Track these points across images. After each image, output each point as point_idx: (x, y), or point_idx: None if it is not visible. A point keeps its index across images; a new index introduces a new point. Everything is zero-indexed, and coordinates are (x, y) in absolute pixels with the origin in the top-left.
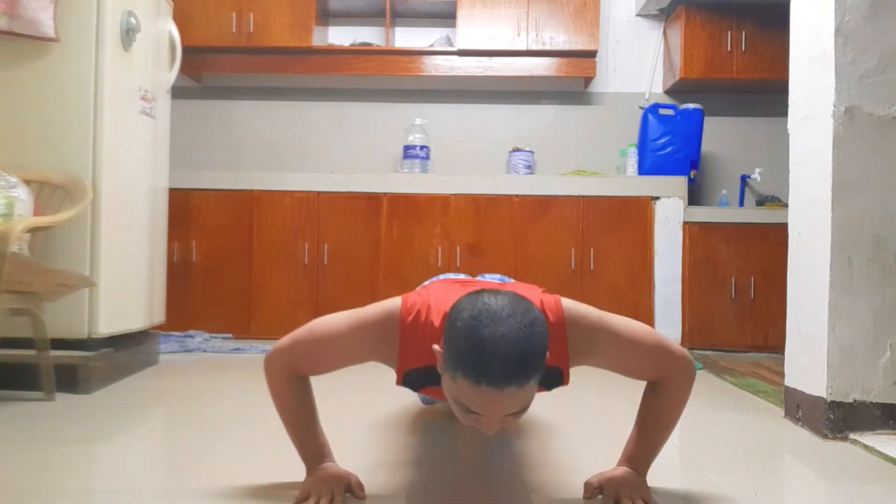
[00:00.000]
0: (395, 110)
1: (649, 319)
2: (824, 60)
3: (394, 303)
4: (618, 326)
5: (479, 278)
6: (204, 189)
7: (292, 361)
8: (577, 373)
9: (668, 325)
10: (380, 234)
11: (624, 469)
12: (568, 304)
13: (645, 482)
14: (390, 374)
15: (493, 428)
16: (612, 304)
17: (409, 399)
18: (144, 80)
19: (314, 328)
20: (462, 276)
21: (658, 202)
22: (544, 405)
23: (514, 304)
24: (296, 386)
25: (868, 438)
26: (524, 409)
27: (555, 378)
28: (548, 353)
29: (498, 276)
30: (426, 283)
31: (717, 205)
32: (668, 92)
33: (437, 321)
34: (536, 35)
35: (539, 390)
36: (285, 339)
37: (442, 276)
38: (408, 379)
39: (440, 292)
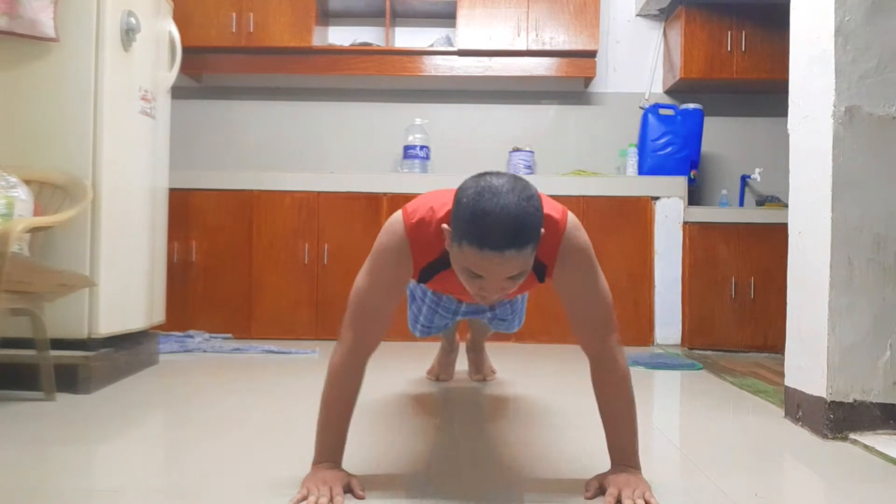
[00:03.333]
0: (395, 110)
1: (649, 319)
2: (824, 60)
3: (395, 216)
4: (596, 267)
5: None
6: (204, 189)
7: (356, 333)
8: (576, 372)
9: (668, 325)
10: None
11: (623, 468)
12: (572, 218)
13: (645, 480)
14: (390, 373)
15: (496, 291)
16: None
17: (409, 399)
18: (144, 80)
19: (353, 297)
20: None
21: (658, 202)
22: (545, 405)
23: (514, 181)
24: (352, 373)
25: (868, 438)
26: (522, 273)
27: (542, 271)
28: (542, 245)
29: None
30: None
31: (717, 205)
32: (668, 92)
33: (440, 214)
34: (536, 35)
35: (532, 281)
36: (343, 327)
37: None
38: (423, 274)
39: (437, 194)
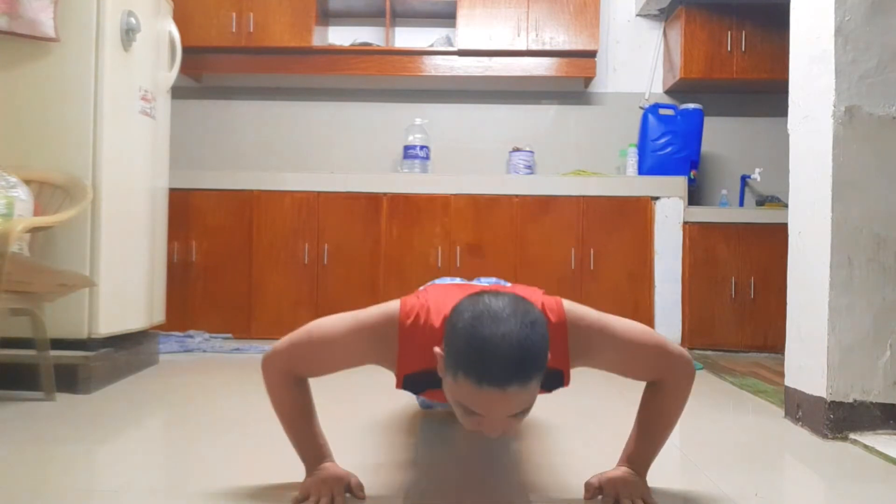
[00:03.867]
0: (395, 110)
1: (649, 319)
2: (824, 60)
3: (392, 306)
4: (617, 328)
5: (474, 282)
6: (204, 189)
7: (290, 363)
8: (576, 373)
9: (668, 325)
10: (380, 234)
11: (624, 469)
12: (569, 305)
13: (645, 482)
14: (390, 375)
15: (497, 430)
16: (612, 304)
17: (409, 400)
18: (144, 80)
19: (312, 330)
20: (458, 280)
21: (658, 202)
22: (544, 405)
23: (515, 304)
24: (294, 387)
25: (868, 438)
26: (527, 409)
27: (555, 379)
28: (549, 355)
29: (494, 279)
30: (422, 287)
31: (717, 205)
32: (668, 92)
33: (437, 323)
34: (536, 35)
35: (540, 392)
36: (283, 341)
37: (438, 281)
38: (407, 382)
39: (439, 295)
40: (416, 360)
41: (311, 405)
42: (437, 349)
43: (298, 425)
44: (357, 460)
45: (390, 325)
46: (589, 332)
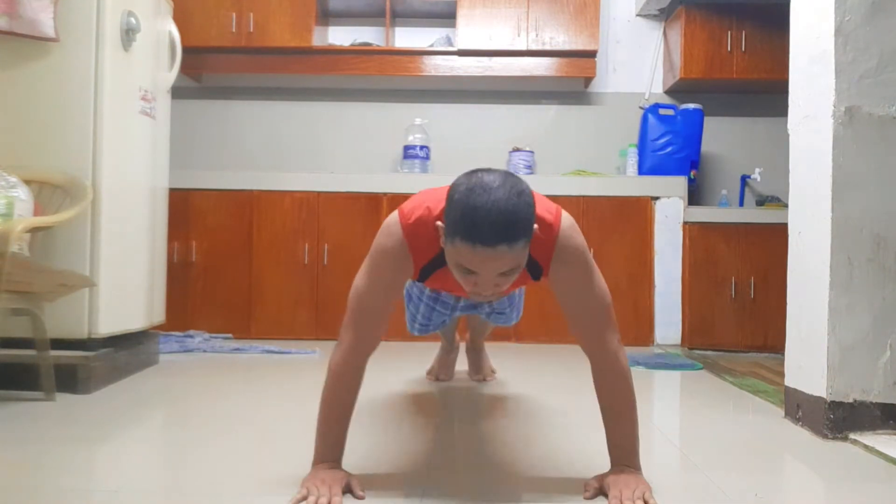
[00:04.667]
0: (395, 110)
1: (649, 319)
2: (824, 60)
3: (392, 216)
4: (594, 269)
5: None
6: (204, 189)
7: (356, 331)
8: (576, 372)
9: (668, 325)
10: None
11: (622, 468)
12: (566, 217)
13: (645, 481)
14: (390, 374)
15: (490, 287)
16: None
17: (409, 399)
18: (144, 80)
19: (352, 298)
20: None
21: (658, 202)
22: (544, 404)
23: (505, 177)
24: (355, 378)
25: (868, 438)
26: (515, 268)
27: (537, 271)
28: (536, 244)
29: None
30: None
31: (717, 205)
32: (668, 92)
33: (436, 212)
34: (536, 35)
35: (526, 278)
36: (343, 328)
37: None
38: (422, 272)
39: (433, 192)
40: (426, 249)
41: (353, 404)
42: (438, 223)
43: (335, 418)
44: (357, 459)
45: (396, 231)
46: (571, 249)
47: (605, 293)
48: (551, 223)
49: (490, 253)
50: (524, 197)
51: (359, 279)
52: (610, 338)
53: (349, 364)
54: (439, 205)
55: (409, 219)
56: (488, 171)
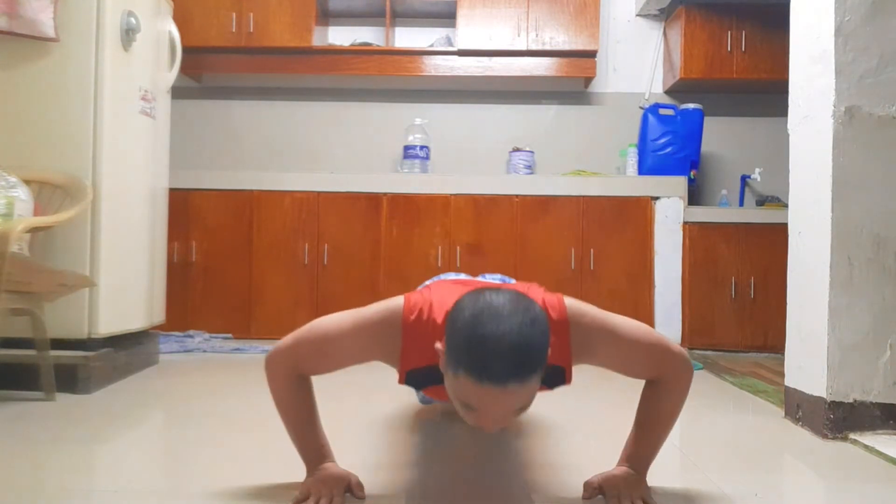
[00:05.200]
0: (395, 110)
1: (649, 319)
2: (824, 60)
3: (396, 302)
4: (619, 325)
5: (479, 278)
6: (204, 189)
7: (294, 361)
8: (577, 372)
9: (668, 325)
10: (380, 234)
11: (624, 469)
12: (570, 302)
13: (645, 482)
14: (390, 374)
15: (496, 425)
16: (612, 304)
17: (409, 399)
18: (144, 80)
19: (316, 328)
20: (463, 276)
21: (658, 202)
22: (544, 405)
23: (516, 301)
24: (297, 386)
25: (868, 438)
26: (526, 405)
27: (557, 376)
28: (550, 352)
29: (499, 276)
30: (427, 282)
31: (717, 205)
32: (668, 92)
33: (439, 319)
34: (536, 35)
35: (541, 389)
36: (287, 339)
37: (442, 276)
38: (410, 378)
39: (442, 291)
40: (419, 356)
41: (314, 405)
42: (438, 345)
43: (300, 425)
44: (357, 460)
45: (394, 321)
46: (590, 330)
47: (635, 331)
48: (558, 320)
49: (499, 391)
50: (538, 325)
51: (336, 323)
52: (669, 361)
53: (292, 380)
54: (447, 306)
55: (411, 314)
56: (496, 292)
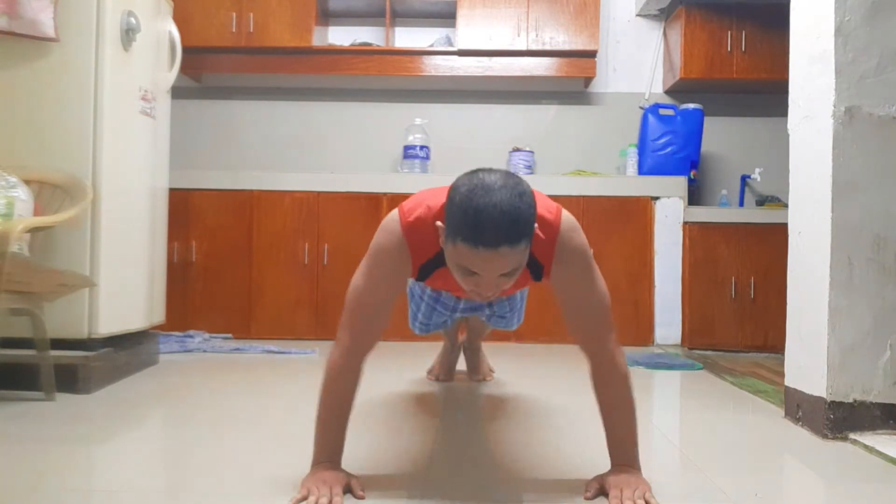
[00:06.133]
0: (395, 110)
1: (649, 319)
2: (824, 60)
3: (392, 214)
4: (594, 270)
5: None
6: (204, 189)
7: (353, 332)
8: (576, 372)
9: (668, 325)
10: None
11: (623, 468)
12: (566, 216)
13: (645, 481)
14: (390, 375)
15: (491, 288)
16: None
17: (409, 399)
18: (144, 80)
19: (350, 297)
20: None
21: (658, 202)
22: (544, 405)
23: (506, 178)
24: (349, 373)
25: (868, 438)
26: (516, 269)
27: (538, 271)
28: (535, 248)
29: None
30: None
31: (717, 205)
32: (668, 92)
33: (435, 211)
34: (536, 35)
35: (527, 279)
36: (340, 327)
37: None
38: (421, 271)
39: (433, 191)
40: (425, 248)
41: (351, 403)
42: (438, 223)
43: (336, 416)
44: (357, 459)
45: (395, 229)
46: (573, 248)
47: (605, 294)
48: (552, 222)
49: (492, 254)
50: (525, 198)
51: (357, 278)
52: (608, 338)
53: (347, 365)
54: (439, 203)
55: (408, 217)
56: (489, 171)
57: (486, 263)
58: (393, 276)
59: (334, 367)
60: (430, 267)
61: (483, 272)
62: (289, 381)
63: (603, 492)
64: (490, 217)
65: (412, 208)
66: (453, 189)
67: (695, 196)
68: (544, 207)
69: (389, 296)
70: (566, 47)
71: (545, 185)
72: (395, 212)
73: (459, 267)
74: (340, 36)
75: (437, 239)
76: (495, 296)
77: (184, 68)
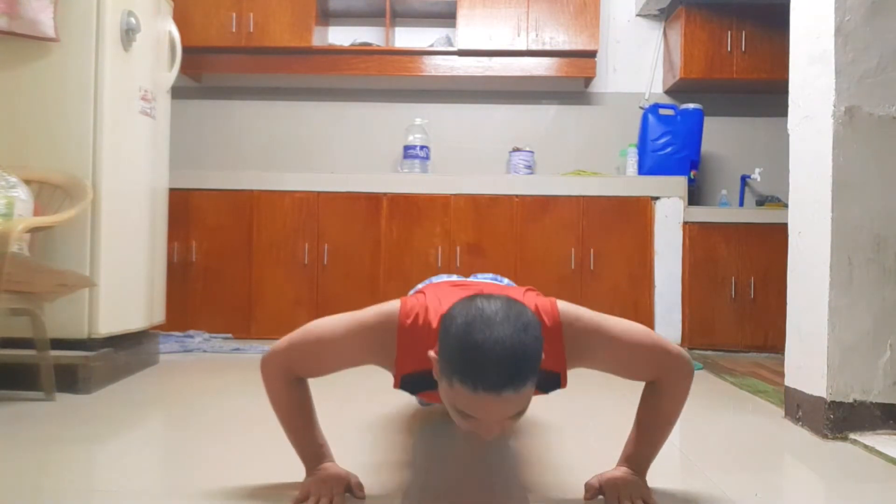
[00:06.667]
0: (395, 110)
1: (649, 319)
2: (824, 60)
3: (392, 306)
4: (614, 328)
5: (471, 278)
6: (204, 189)
7: (289, 364)
8: (575, 372)
9: (668, 325)
10: (380, 234)
11: (624, 469)
12: (563, 306)
13: (645, 482)
14: (389, 375)
15: (492, 432)
16: (612, 304)
17: (408, 399)
18: (144, 80)
19: (311, 331)
20: (455, 278)
21: (658, 202)
22: (544, 405)
23: (508, 308)
24: (293, 387)
25: (868, 438)
26: (522, 412)
27: (552, 382)
28: (544, 357)
29: (490, 275)
30: (419, 285)
31: (717, 205)
32: (668, 92)
33: (434, 324)
34: (536, 35)
35: (536, 393)
36: (282, 341)
37: (436, 278)
38: (405, 382)
39: (437, 295)
40: (414, 360)
41: (311, 405)
42: (431, 353)
43: (297, 425)
44: (357, 460)
45: (390, 325)
46: (585, 333)
47: (631, 332)
48: (551, 327)
49: (494, 399)
50: (531, 330)
51: (331, 325)
52: (665, 361)
53: (288, 381)
54: (441, 311)
55: (407, 318)
56: (488, 298)
57: (486, 409)
58: (362, 359)
59: (272, 382)
60: (418, 383)
61: (482, 418)
62: None
63: (602, 492)
64: (492, 358)
65: (413, 309)
66: (448, 318)
67: (695, 196)
68: (542, 311)
69: (345, 367)
70: (566, 47)
71: (545, 185)
72: (395, 305)
73: (456, 409)
74: (340, 36)
75: (430, 357)
76: (497, 436)
77: (184, 68)
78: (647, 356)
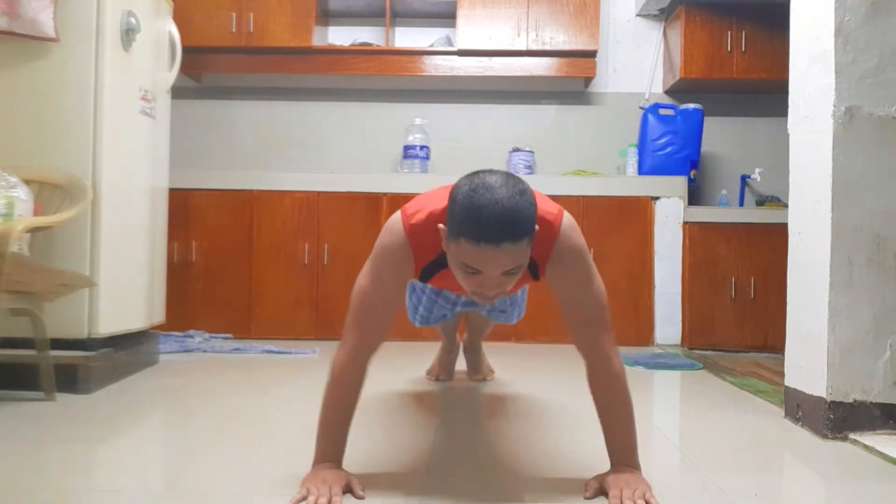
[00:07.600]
0: (395, 110)
1: (649, 319)
2: (824, 60)
3: (394, 217)
4: (590, 270)
5: None
6: (204, 189)
7: (359, 331)
8: (576, 372)
9: (668, 325)
10: None
11: (622, 468)
12: (567, 218)
13: (645, 480)
14: (390, 375)
15: (493, 287)
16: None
17: (409, 399)
18: (144, 80)
19: (355, 297)
20: None
21: (658, 202)
22: (544, 404)
23: (507, 178)
24: (357, 378)
25: (868, 438)
26: (519, 267)
27: (534, 270)
28: (534, 247)
29: None
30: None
31: (717, 205)
32: (668, 92)
33: (437, 213)
34: (536, 35)
35: (526, 276)
36: (346, 328)
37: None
38: (424, 272)
39: (435, 193)
40: (427, 249)
41: (352, 411)
42: (440, 225)
43: (332, 420)
44: (357, 459)
45: (398, 231)
46: (570, 251)
47: (602, 295)
48: (551, 222)
49: (494, 251)
50: (526, 196)
51: (361, 278)
52: (603, 338)
53: (352, 364)
54: (440, 207)
55: (411, 219)
56: (490, 171)
57: (488, 260)
58: (397, 277)
59: (339, 367)
60: (432, 269)
61: (486, 269)
62: (289, 381)
63: (602, 492)
64: (492, 214)
65: (415, 210)
66: (455, 189)
67: (695, 196)
68: (545, 207)
69: (394, 295)
70: (566, 47)
71: (545, 185)
72: (397, 214)
73: (462, 266)
74: (340, 36)
75: (439, 242)
76: (498, 297)
77: (184, 68)
78: (594, 310)
